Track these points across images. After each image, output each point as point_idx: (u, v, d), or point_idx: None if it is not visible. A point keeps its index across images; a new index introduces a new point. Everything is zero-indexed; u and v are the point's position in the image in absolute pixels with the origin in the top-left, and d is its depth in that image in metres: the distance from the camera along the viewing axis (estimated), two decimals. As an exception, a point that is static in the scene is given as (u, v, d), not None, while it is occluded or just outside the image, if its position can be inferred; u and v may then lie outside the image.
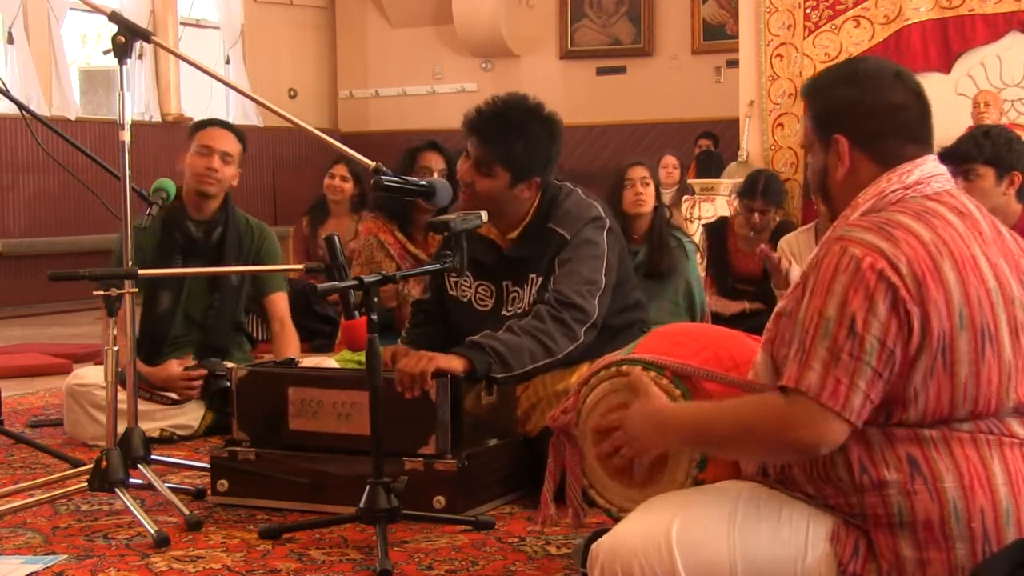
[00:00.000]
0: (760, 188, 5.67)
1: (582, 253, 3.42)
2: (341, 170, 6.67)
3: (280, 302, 4.51)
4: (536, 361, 3.32)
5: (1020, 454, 1.97)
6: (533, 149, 3.41)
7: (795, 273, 4.90)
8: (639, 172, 5.01)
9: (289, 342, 4.43)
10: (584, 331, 3.37)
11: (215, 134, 4.37)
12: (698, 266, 5.22)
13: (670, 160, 9.67)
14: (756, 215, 5.67)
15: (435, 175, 4.78)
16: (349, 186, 6.66)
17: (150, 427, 4.07)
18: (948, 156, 3.76)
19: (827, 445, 1.91)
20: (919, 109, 2.10)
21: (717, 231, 5.98)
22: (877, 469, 1.95)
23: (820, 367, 1.89)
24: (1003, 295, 1.98)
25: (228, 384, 4.13)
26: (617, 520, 2.24)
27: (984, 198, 3.71)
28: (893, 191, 2.03)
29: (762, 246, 4.98)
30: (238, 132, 4.47)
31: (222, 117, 12.03)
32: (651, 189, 5.00)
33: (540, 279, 3.46)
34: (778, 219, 6.00)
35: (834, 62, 8.83)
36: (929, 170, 2.06)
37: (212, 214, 4.37)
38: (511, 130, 3.39)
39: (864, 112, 2.08)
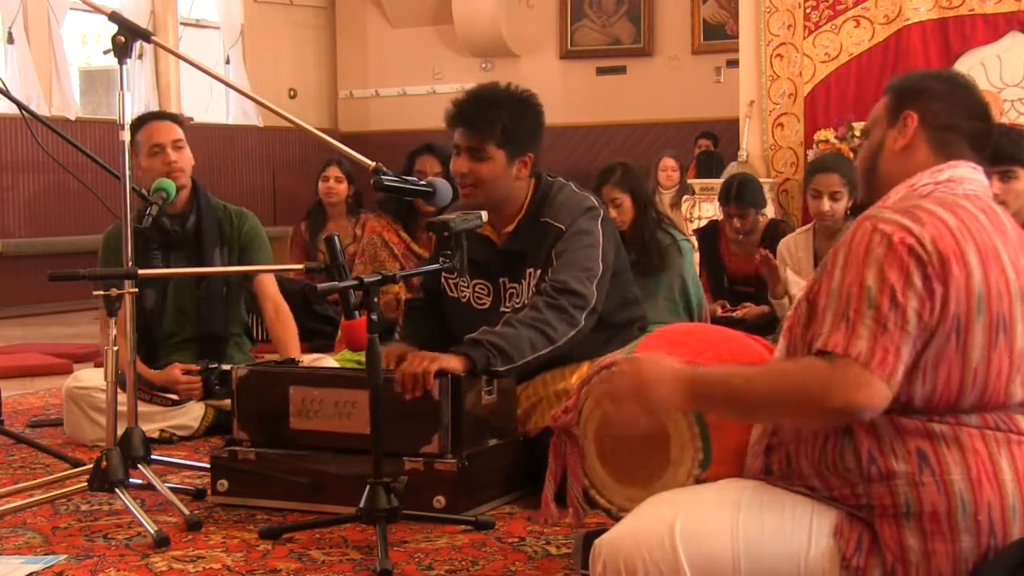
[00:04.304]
0: (733, 193, 5.66)
1: (578, 243, 3.44)
2: (334, 171, 6.66)
3: (270, 283, 4.49)
4: (537, 350, 3.33)
5: None
6: (519, 122, 3.44)
7: (792, 278, 4.90)
8: (608, 193, 4.76)
9: (289, 325, 4.41)
10: (584, 316, 3.38)
11: (157, 129, 4.32)
12: (695, 264, 5.18)
13: (669, 163, 9.65)
14: (735, 220, 5.67)
15: (428, 177, 4.79)
16: (343, 187, 6.66)
17: (150, 428, 4.07)
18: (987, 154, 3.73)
19: (872, 410, 1.93)
20: (986, 130, 2.19)
21: (708, 236, 5.97)
22: (886, 460, 1.97)
23: (868, 335, 1.92)
24: (1021, 290, 2.01)
25: (217, 383, 4.14)
26: (618, 520, 2.24)
27: (1018, 198, 3.71)
28: (923, 185, 2.10)
29: (761, 251, 4.97)
30: (172, 116, 4.47)
31: (222, 117, 12.12)
32: (626, 203, 4.78)
33: (538, 273, 3.47)
34: (765, 218, 5.99)
35: (834, 62, 8.91)
36: (962, 173, 2.12)
37: (183, 205, 4.36)
38: (493, 109, 3.42)
39: (944, 103, 2.16)
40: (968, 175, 2.12)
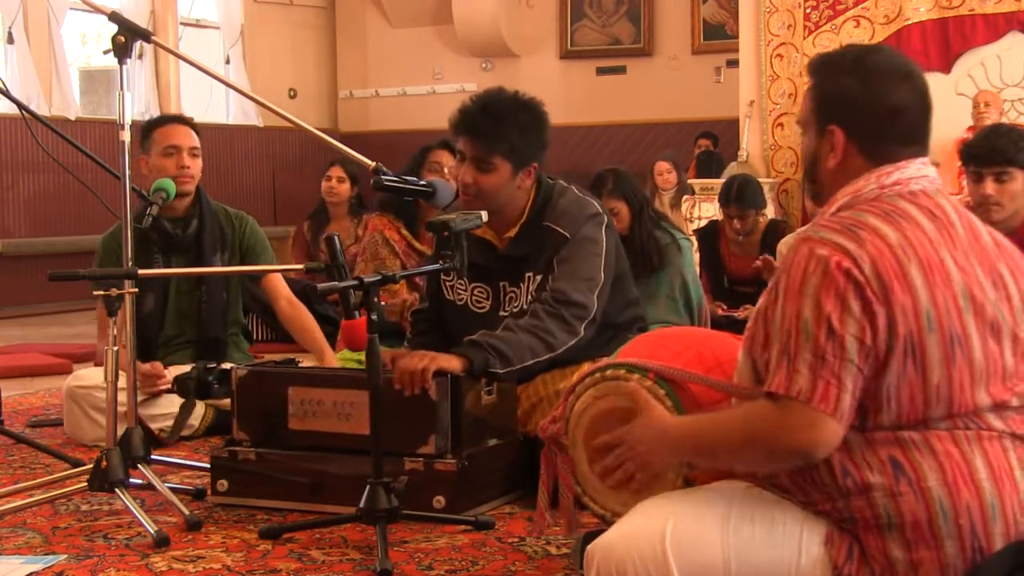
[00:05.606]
0: (733, 195, 5.67)
1: (582, 251, 3.43)
2: (337, 172, 6.68)
3: (279, 282, 4.53)
4: (537, 356, 3.33)
5: (1000, 447, 1.97)
6: (527, 134, 3.43)
7: None
8: (604, 204, 4.74)
9: (308, 315, 4.46)
10: (584, 327, 3.38)
11: (177, 132, 4.35)
12: (695, 263, 5.17)
13: (663, 166, 9.56)
14: (736, 221, 5.68)
15: (445, 170, 4.87)
16: (346, 187, 6.67)
17: (150, 426, 4.07)
18: (983, 154, 3.72)
19: (825, 447, 1.91)
20: (921, 111, 2.08)
21: (708, 236, 5.98)
22: (860, 472, 1.95)
23: (808, 371, 1.90)
24: (972, 299, 1.97)
25: (216, 382, 4.13)
26: (611, 525, 2.24)
27: (1013, 200, 3.70)
28: (869, 190, 2.03)
29: (764, 256, 4.98)
30: (194, 125, 4.50)
31: (222, 117, 12.12)
32: (623, 211, 4.73)
33: (538, 278, 3.47)
34: (765, 218, 6.00)
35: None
36: (911, 173, 2.05)
37: (186, 209, 4.38)
38: (501, 120, 3.40)
39: (865, 110, 2.05)
40: (915, 172, 2.04)
